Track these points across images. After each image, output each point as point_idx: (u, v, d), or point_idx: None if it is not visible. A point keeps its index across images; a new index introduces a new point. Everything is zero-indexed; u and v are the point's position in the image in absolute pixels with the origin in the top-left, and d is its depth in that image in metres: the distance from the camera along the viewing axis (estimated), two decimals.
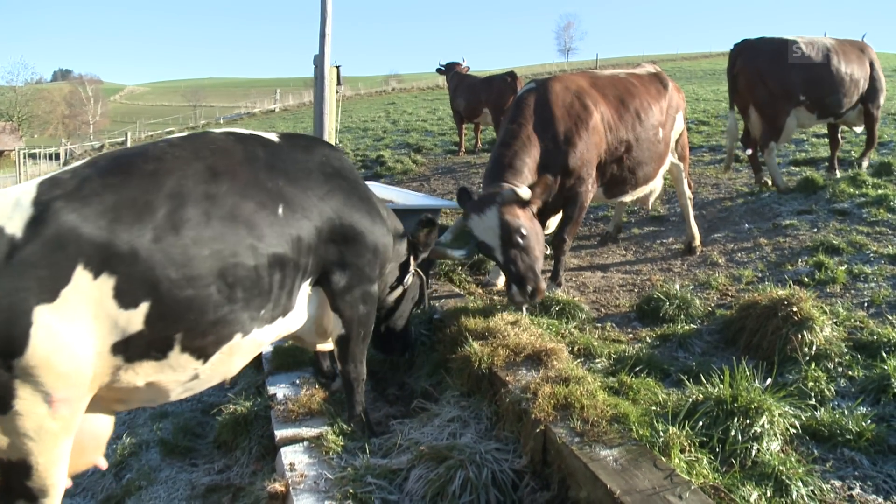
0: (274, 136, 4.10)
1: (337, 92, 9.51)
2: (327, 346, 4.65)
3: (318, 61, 9.05)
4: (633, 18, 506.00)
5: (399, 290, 4.93)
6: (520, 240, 5.40)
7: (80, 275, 2.92)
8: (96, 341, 3.01)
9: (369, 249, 4.23)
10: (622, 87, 7.09)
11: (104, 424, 3.48)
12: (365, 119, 29.36)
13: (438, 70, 18.61)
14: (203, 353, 3.44)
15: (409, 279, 4.96)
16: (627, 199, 7.46)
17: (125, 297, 3.05)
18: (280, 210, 3.70)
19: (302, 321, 4.10)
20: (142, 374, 3.25)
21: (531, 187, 5.61)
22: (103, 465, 3.62)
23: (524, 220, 5.51)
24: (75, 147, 54.13)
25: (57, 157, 49.47)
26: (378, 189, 10.11)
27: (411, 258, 4.97)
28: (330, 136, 9.11)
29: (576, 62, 73.85)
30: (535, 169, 6.04)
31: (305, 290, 4.00)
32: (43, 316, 2.82)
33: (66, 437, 3.03)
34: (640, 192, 7.38)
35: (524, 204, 5.55)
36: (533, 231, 5.55)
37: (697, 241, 7.96)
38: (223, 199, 3.45)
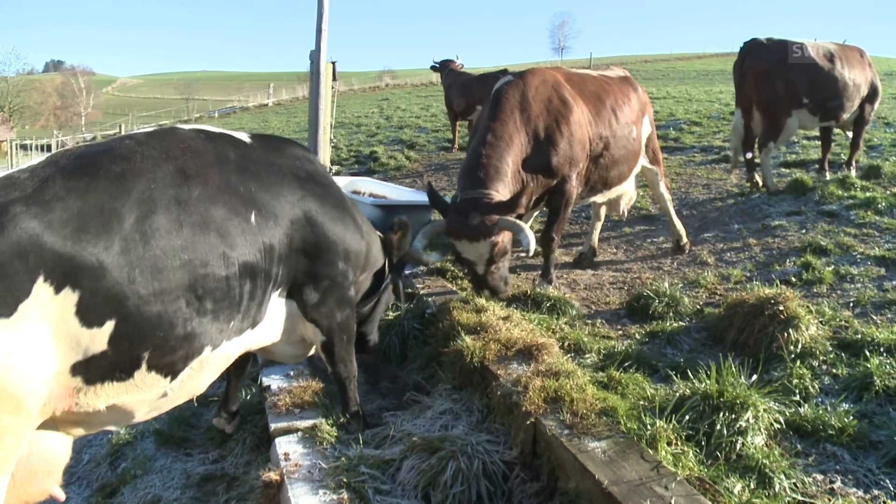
0: (245, 136, 3.92)
1: (332, 88, 9.54)
2: (303, 354, 4.65)
3: (315, 57, 9.10)
4: (628, 18, 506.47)
5: (374, 299, 4.85)
6: (503, 260, 5.74)
7: (41, 288, 2.66)
8: (55, 361, 2.77)
9: (342, 258, 4.12)
10: (596, 84, 7.05)
11: (60, 449, 3.18)
12: (359, 115, 29.37)
13: (433, 67, 18.63)
14: (172, 371, 3.24)
15: (385, 284, 4.95)
16: (601, 199, 7.34)
17: (89, 315, 2.81)
18: (253, 217, 3.53)
19: (272, 333, 3.99)
20: (104, 396, 3.03)
21: (515, 199, 5.64)
22: (60, 495, 3.25)
23: (508, 242, 5.76)
24: (67, 139, 53.90)
25: (49, 148, 49.22)
26: (370, 185, 10.17)
27: (387, 265, 4.93)
28: (325, 131, 9.16)
29: (570, 60, 74.08)
30: (517, 170, 5.98)
31: (276, 301, 3.88)
32: None
33: (4, 467, 2.72)
34: (615, 192, 7.31)
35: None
36: (510, 246, 5.84)
37: (685, 239, 8.04)
38: (195, 205, 3.25)
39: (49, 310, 2.70)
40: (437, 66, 18.26)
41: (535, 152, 6.11)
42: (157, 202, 3.09)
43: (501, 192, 5.70)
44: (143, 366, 3.09)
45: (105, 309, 2.86)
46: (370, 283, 4.79)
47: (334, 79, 9.64)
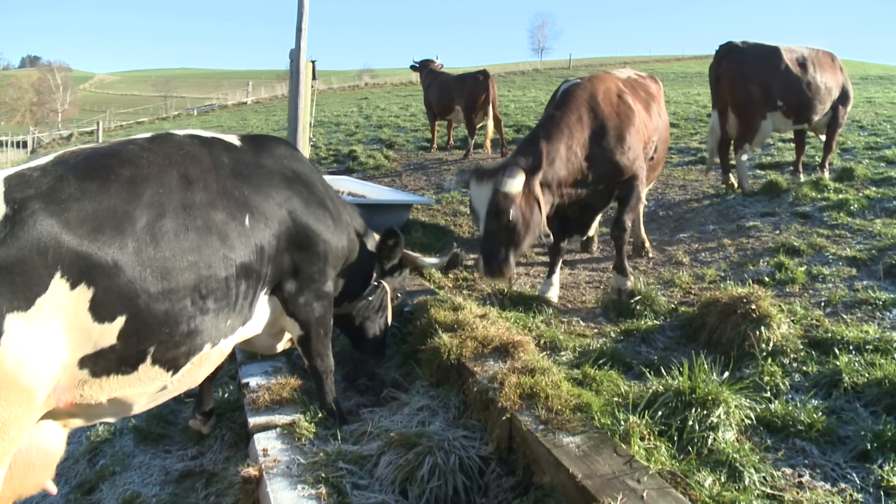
0: (235, 140, 4.07)
1: (312, 87, 9.54)
2: (280, 346, 4.75)
3: (294, 56, 9.08)
4: (608, 20, 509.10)
5: (362, 300, 4.97)
6: (505, 221, 5.41)
7: (58, 284, 2.76)
8: (65, 354, 2.86)
9: (322, 255, 4.26)
10: (644, 89, 7.13)
11: (57, 442, 3.26)
12: (338, 114, 29.31)
13: (412, 67, 18.63)
14: (174, 365, 3.40)
15: (375, 287, 5.03)
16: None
17: (102, 311, 2.93)
18: (246, 220, 3.70)
19: (257, 328, 4.13)
20: (107, 388, 3.14)
21: (546, 169, 5.63)
22: (53, 489, 3.34)
23: (518, 205, 5.46)
24: (43, 135, 53.45)
25: (24, 144, 48.84)
26: (350, 184, 10.19)
27: (374, 272, 5.02)
28: (304, 130, 9.15)
29: (549, 62, 74.21)
30: (569, 158, 5.94)
31: (262, 297, 4.03)
32: (15, 325, 2.63)
33: (4, 459, 2.79)
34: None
35: (529, 188, 5.51)
36: (524, 217, 5.53)
37: (648, 244, 8.13)
38: (199, 209, 3.42)
39: (64, 305, 2.80)
40: (417, 65, 18.27)
41: (600, 151, 6.09)
42: (165, 207, 3.26)
43: (538, 164, 5.67)
44: (148, 360, 3.24)
45: (117, 306, 3.00)
46: (354, 281, 4.89)
47: (314, 78, 9.61)
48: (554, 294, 6.72)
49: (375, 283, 5.05)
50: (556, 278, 6.79)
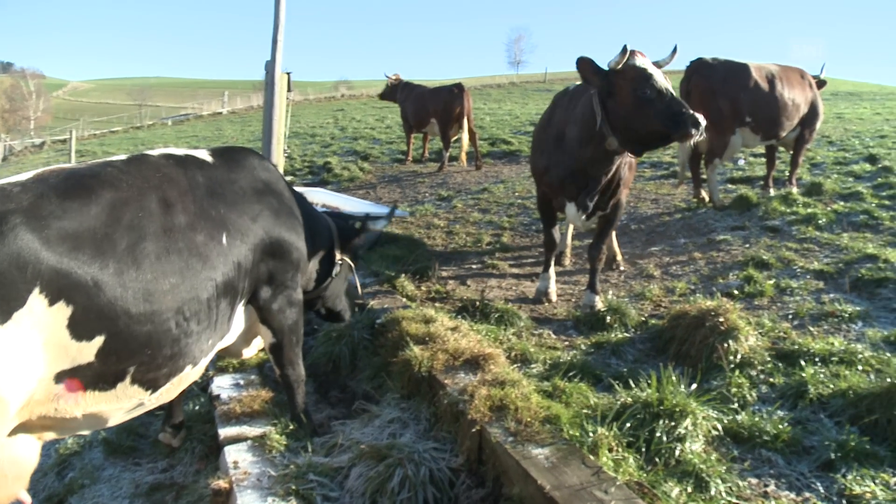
0: (206, 156, 4.11)
1: (287, 98, 9.54)
2: (251, 352, 4.77)
3: (270, 67, 9.08)
4: (582, 34, 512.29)
5: (328, 281, 5.13)
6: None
7: (36, 299, 2.75)
8: (41, 369, 2.85)
9: (294, 263, 4.36)
10: None
11: (30, 453, 3.21)
12: (313, 125, 29.33)
13: (384, 88, 18.40)
14: (154, 385, 3.41)
15: (337, 269, 5.16)
16: None
17: (80, 329, 2.93)
18: (224, 238, 3.75)
19: (233, 338, 4.18)
20: (83, 403, 3.13)
21: None
22: (27, 499, 3.29)
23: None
24: (15, 143, 52.74)
25: None
26: (324, 196, 10.19)
27: (337, 252, 5.16)
28: (279, 141, 9.15)
29: (525, 75, 74.53)
30: None
31: (239, 310, 4.07)
32: None
33: None
34: None
35: None
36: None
37: (620, 257, 8.18)
38: (179, 233, 3.45)
39: (42, 320, 2.79)
40: (388, 88, 18.06)
41: None
42: (146, 230, 3.29)
43: None
44: (128, 379, 3.25)
45: (96, 325, 3.00)
46: (324, 267, 5.05)
47: (289, 90, 9.62)
48: (552, 290, 6.86)
49: (339, 262, 5.18)
50: (552, 272, 6.88)
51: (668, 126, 5.31)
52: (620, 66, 5.46)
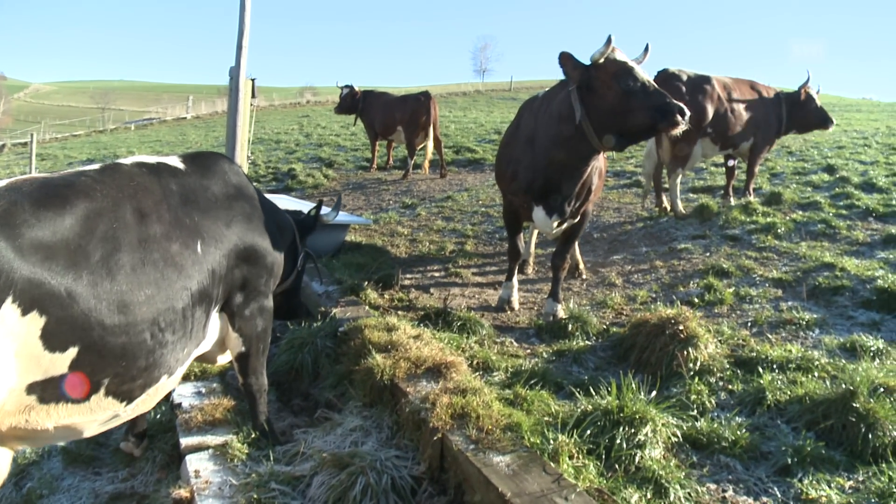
0: (178, 163, 4.09)
1: (252, 104, 9.49)
2: (226, 358, 4.70)
3: (234, 73, 9.03)
4: (548, 43, 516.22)
5: (294, 274, 5.15)
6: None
7: (8, 309, 2.70)
8: (13, 379, 2.81)
9: (267, 269, 4.35)
10: None
11: (1, 463, 3.18)
12: (278, 131, 29.16)
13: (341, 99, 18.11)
14: (129, 397, 3.36)
15: (300, 262, 5.20)
16: None
17: (53, 340, 2.88)
18: (199, 246, 3.72)
19: (207, 346, 4.13)
20: (55, 415, 3.07)
21: None
22: None
23: None
24: None
25: None
26: (287, 202, 10.12)
27: (300, 245, 5.19)
28: (243, 147, 9.10)
29: (491, 83, 74.76)
30: None
31: (213, 317, 4.04)
32: None
33: None
34: None
35: None
36: None
37: (582, 265, 8.22)
38: (154, 243, 3.42)
39: (14, 330, 2.73)
40: (347, 99, 17.73)
41: None
42: (121, 241, 3.24)
43: None
44: (102, 391, 3.19)
45: (70, 336, 2.94)
46: (290, 262, 5.03)
47: (253, 96, 9.57)
48: (515, 298, 6.88)
49: (303, 254, 5.22)
50: (515, 281, 6.92)
51: (654, 117, 5.32)
52: (603, 58, 5.50)
